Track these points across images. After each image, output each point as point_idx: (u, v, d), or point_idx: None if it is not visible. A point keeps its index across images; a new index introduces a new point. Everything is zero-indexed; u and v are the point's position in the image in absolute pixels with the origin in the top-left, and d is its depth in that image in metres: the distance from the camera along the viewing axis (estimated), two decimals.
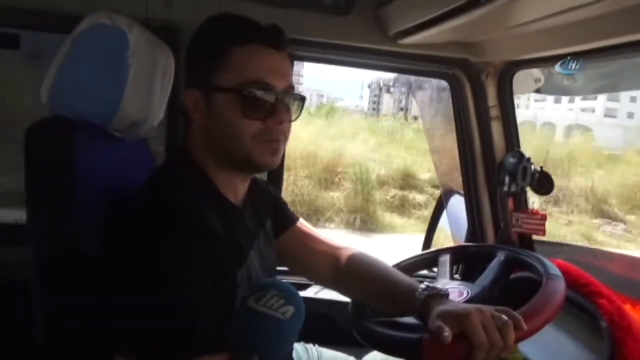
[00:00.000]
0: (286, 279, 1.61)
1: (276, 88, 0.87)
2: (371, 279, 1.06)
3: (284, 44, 0.89)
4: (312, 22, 1.37)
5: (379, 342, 0.95)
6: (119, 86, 0.89)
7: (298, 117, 0.96)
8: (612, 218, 9.57)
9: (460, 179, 1.67)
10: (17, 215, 1.35)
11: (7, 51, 1.44)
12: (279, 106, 0.87)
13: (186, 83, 0.90)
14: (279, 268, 1.54)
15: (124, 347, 0.74)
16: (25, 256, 0.82)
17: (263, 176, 1.56)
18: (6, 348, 1.15)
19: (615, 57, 1.22)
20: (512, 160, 1.48)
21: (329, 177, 9.34)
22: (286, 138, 0.92)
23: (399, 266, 1.24)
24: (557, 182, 1.50)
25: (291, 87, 0.90)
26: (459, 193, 1.79)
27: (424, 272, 1.70)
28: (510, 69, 1.48)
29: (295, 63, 1.47)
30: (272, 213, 1.13)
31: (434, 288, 0.92)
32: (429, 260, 1.31)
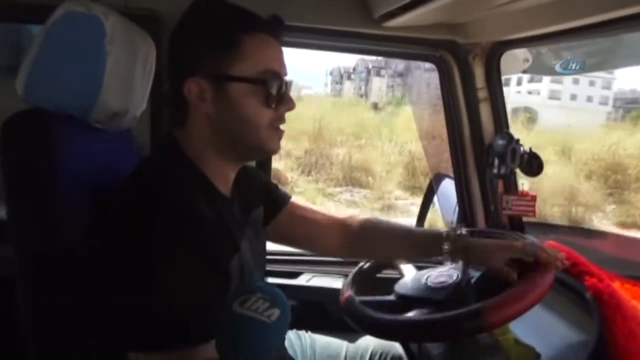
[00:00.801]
0: (273, 267, 1.61)
1: (282, 76, 0.89)
2: (391, 233, 1.16)
3: (282, 33, 0.91)
4: (297, 7, 1.35)
5: (371, 326, 0.95)
6: (96, 76, 0.87)
7: None
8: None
9: (449, 163, 1.66)
10: None
11: None
12: (287, 93, 0.90)
13: (183, 71, 0.86)
14: (270, 256, 1.54)
15: (130, 342, 0.74)
16: (7, 253, 0.80)
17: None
18: None
19: (603, 34, 1.21)
20: (500, 142, 1.48)
21: None
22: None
23: None
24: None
25: (286, 75, 0.92)
26: (448, 177, 1.78)
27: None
28: (498, 49, 1.47)
29: None
30: (264, 199, 1.12)
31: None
32: None
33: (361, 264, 1.19)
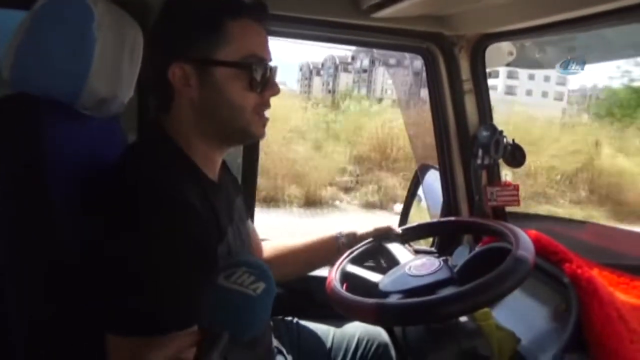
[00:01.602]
0: None
1: (267, 61, 0.90)
2: (289, 252, 1.26)
3: (266, 18, 0.92)
4: None
5: (355, 310, 0.97)
6: (84, 61, 0.86)
7: None
8: None
9: (434, 154, 1.68)
10: None
11: None
12: (272, 78, 0.91)
13: (167, 56, 0.87)
14: None
15: (114, 325, 0.74)
16: None
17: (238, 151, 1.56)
18: None
19: (588, 27, 1.23)
20: (485, 133, 1.50)
21: None
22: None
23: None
24: None
25: (271, 60, 0.93)
26: (434, 168, 1.81)
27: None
28: (483, 42, 1.48)
29: None
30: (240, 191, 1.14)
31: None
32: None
33: (349, 251, 1.20)
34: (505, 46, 1.54)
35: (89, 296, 0.76)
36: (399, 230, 1.23)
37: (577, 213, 8.63)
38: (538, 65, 1.66)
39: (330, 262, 1.24)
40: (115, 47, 0.93)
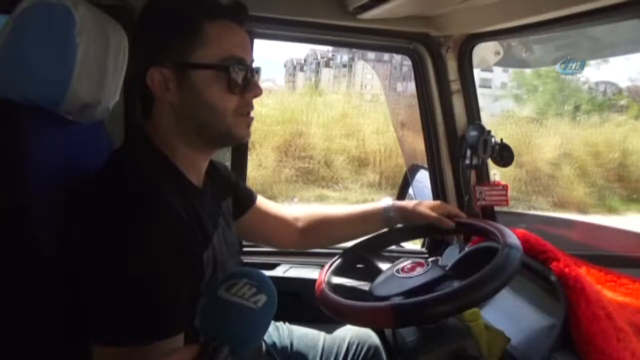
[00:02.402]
0: (251, 259, 1.61)
1: (247, 62, 0.89)
2: (336, 219, 1.27)
3: (246, 19, 0.91)
4: None
5: (346, 314, 0.97)
6: (66, 66, 0.85)
7: None
8: None
9: (424, 154, 1.69)
10: None
11: None
12: (253, 79, 0.90)
13: (145, 61, 0.86)
14: (247, 248, 1.54)
15: (100, 335, 0.73)
16: None
17: (226, 154, 1.55)
18: None
19: (574, 26, 1.24)
20: (473, 133, 1.51)
21: None
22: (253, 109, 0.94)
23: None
24: None
25: (253, 61, 0.92)
26: (423, 168, 1.81)
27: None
28: (470, 42, 1.49)
29: None
30: (234, 194, 1.13)
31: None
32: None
33: (337, 255, 1.20)
34: (492, 46, 1.55)
35: (74, 306, 0.75)
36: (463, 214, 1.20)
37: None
38: (525, 64, 1.66)
39: (374, 232, 1.26)
40: (98, 52, 0.92)
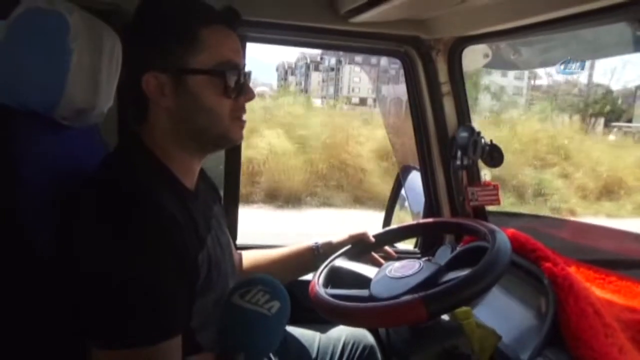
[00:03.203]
0: None
1: (240, 66, 0.90)
2: (267, 261, 1.27)
3: (238, 23, 0.93)
4: (263, 2, 1.35)
5: (341, 314, 0.98)
6: (60, 72, 0.86)
7: None
8: None
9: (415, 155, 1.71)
10: None
11: None
12: (246, 83, 0.92)
13: (141, 66, 0.86)
14: (240, 250, 1.54)
15: (99, 338, 0.73)
16: None
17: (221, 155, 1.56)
18: None
19: (561, 29, 1.26)
20: (463, 134, 1.53)
21: None
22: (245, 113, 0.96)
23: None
24: None
25: (245, 66, 0.94)
26: (416, 169, 1.83)
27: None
28: (459, 44, 1.51)
29: None
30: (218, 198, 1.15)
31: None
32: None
33: (331, 257, 1.21)
34: (481, 49, 1.57)
35: (70, 311, 0.76)
36: (372, 238, 1.27)
37: None
38: (513, 66, 1.69)
39: (307, 271, 1.28)
40: (92, 58, 0.93)
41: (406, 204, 2.00)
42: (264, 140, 9.07)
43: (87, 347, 0.74)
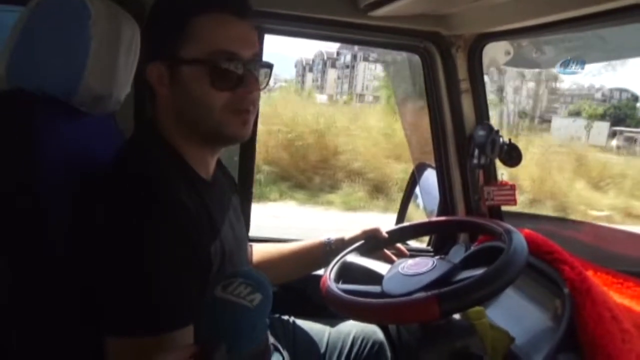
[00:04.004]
0: None
1: (242, 57, 0.86)
2: (278, 257, 1.26)
3: (247, 11, 0.88)
4: None
5: (353, 309, 0.97)
6: (80, 58, 0.86)
7: (266, 85, 0.95)
8: None
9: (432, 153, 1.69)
10: None
11: None
12: (246, 75, 0.86)
13: (147, 56, 0.87)
14: (251, 242, 1.54)
15: (114, 327, 0.73)
16: None
17: (235, 150, 1.56)
18: None
19: (584, 27, 1.23)
20: (481, 132, 1.51)
21: None
22: (255, 108, 0.91)
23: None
24: None
25: (257, 55, 0.89)
26: (431, 167, 1.81)
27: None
28: (480, 41, 1.49)
29: None
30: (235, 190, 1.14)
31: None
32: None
33: (343, 252, 1.21)
34: (503, 46, 1.54)
35: (84, 297, 0.76)
36: (385, 234, 1.25)
37: None
38: (535, 64, 1.66)
39: (319, 267, 1.27)
40: (111, 45, 0.93)
41: (420, 201, 1.99)
42: None
43: (100, 337, 0.74)
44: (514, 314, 1.12)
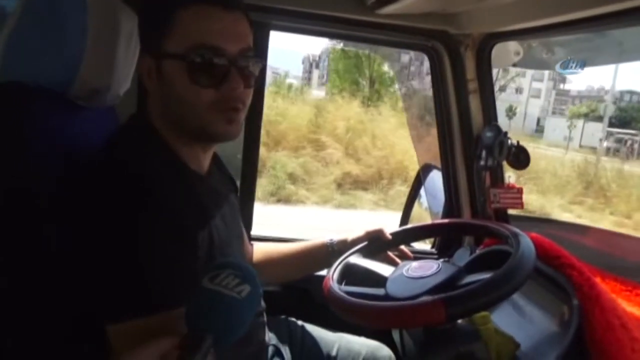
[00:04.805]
0: None
1: (227, 51, 0.82)
2: (280, 257, 1.25)
3: (234, 3, 0.84)
4: None
5: (356, 312, 0.95)
6: (76, 50, 0.85)
7: (257, 82, 0.92)
8: None
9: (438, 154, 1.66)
10: None
11: None
12: (232, 71, 0.82)
13: (141, 49, 0.87)
14: (254, 241, 1.53)
15: (113, 312, 0.73)
16: None
17: (238, 147, 1.54)
18: None
19: (595, 28, 1.21)
20: (489, 134, 1.48)
21: None
22: (245, 105, 0.88)
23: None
24: None
25: (247, 50, 0.85)
26: (437, 168, 1.79)
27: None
28: (489, 41, 1.46)
29: None
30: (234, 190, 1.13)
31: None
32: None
33: (346, 253, 1.19)
34: (512, 46, 1.52)
35: (81, 287, 0.76)
36: (389, 235, 1.22)
37: None
38: (545, 65, 1.63)
39: (320, 268, 1.25)
40: (109, 38, 0.92)
41: (425, 202, 1.97)
42: None
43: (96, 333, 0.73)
44: (520, 319, 1.10)
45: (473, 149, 1.54)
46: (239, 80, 0.83)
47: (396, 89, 14.22)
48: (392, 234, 1.23)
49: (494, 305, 0.96)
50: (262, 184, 8.26)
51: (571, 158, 13.65)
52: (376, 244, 1.22)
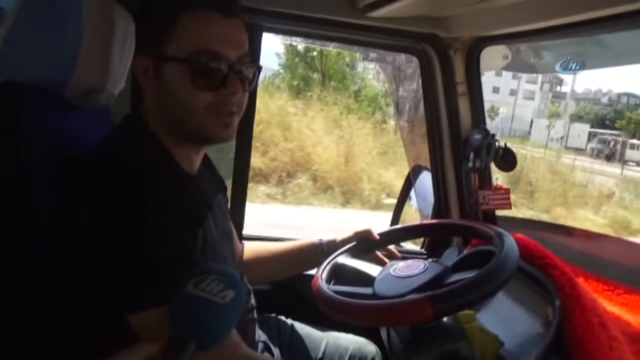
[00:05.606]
0: None
1: (227, 57, 0.84)
2: (269, 256, 1.26)
3: (235, 9, 0.86)
4: None
5: (344, 310, 0.97)
6: (71, 50, 0.86)
7: (254, 87, 0.95)
8: None
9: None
10: None
11: None
12: (231, 76, 0.85)
13: (136, 47, 0.88)
14: (244, 241, 1.54)
15: (134, 301, 0.74)
16: None
17: (231, 148, 1.55)
18: None
19: (585, 33, 1.23)
20: (477, 136, 1.50)
21: None
22: (240, 109, 0.90)
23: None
24: None
25: (245, 56, 0.88)
26: (427, 169, 1.81)
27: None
28: (478, 44, 1.48)
29: None
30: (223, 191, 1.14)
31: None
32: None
33: (336, 253, 1.20)
34: (501, 50, 1.54)
35: (81, 285, 0.77)
36: (377, 235, 1.24)
37: None
38: (533, 69, 1.66)
39: (310, 267, 1.27)
40: (104, 38, 0.92)
41: (414, 203, 1.98)
42: None
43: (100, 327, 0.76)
44: (505, 318, 1.12)
45: (462, 151, 1.56)
46: (237, 84, 0.86)
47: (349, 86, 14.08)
48: (380, 235, 1.26)
49: (480, 303, 0.98)
50: None
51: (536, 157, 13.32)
52: (364, 244, 1.24)
